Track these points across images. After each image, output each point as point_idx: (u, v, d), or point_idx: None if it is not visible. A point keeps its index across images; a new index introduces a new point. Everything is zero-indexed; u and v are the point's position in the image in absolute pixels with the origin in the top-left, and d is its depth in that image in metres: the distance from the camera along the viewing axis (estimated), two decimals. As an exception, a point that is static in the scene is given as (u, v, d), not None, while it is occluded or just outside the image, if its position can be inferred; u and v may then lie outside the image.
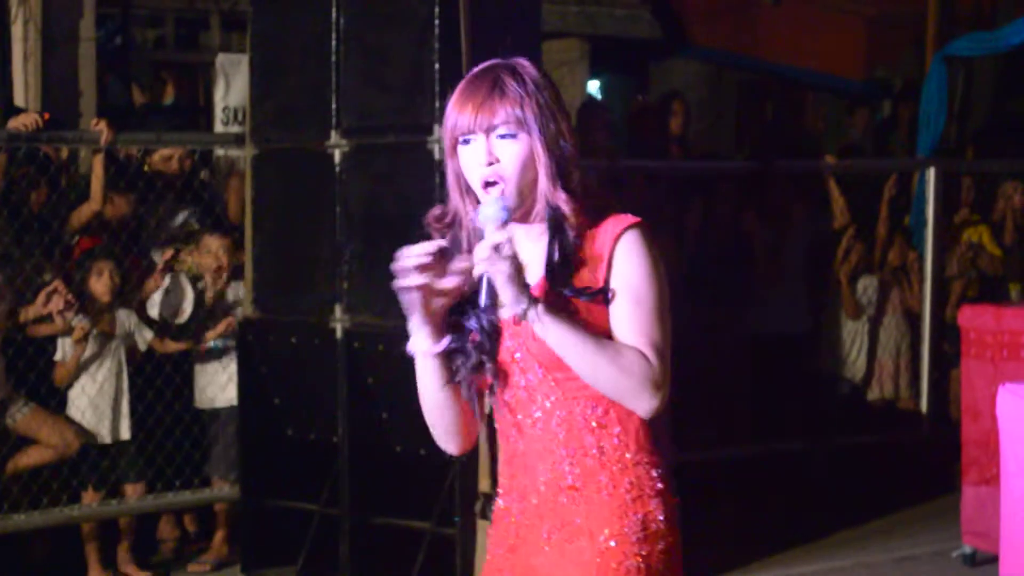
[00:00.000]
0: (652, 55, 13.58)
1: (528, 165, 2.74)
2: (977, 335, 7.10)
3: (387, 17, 6.30)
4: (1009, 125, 12.75)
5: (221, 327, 6.97)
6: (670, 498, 2.83)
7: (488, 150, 2.73)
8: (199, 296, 7.00)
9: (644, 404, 2.74)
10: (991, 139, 11.64)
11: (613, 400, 2.76)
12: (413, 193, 6.14)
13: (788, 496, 8.26)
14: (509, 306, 2.67)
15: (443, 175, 5.95)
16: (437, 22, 6.05)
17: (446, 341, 2.79)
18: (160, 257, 6.92)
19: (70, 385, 6.68)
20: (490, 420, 2.97)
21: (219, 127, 8.04)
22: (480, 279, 2.65)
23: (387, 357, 6.19)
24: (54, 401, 6.64)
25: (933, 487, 8.30)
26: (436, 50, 6.05)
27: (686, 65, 13.65)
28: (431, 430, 2.94)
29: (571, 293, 2.72)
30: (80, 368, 6.64)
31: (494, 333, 2.80)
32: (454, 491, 6.04)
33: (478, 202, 2.78)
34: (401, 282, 2.73)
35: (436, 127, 6.04)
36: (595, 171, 6.77)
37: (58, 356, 6.63)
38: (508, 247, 2.64)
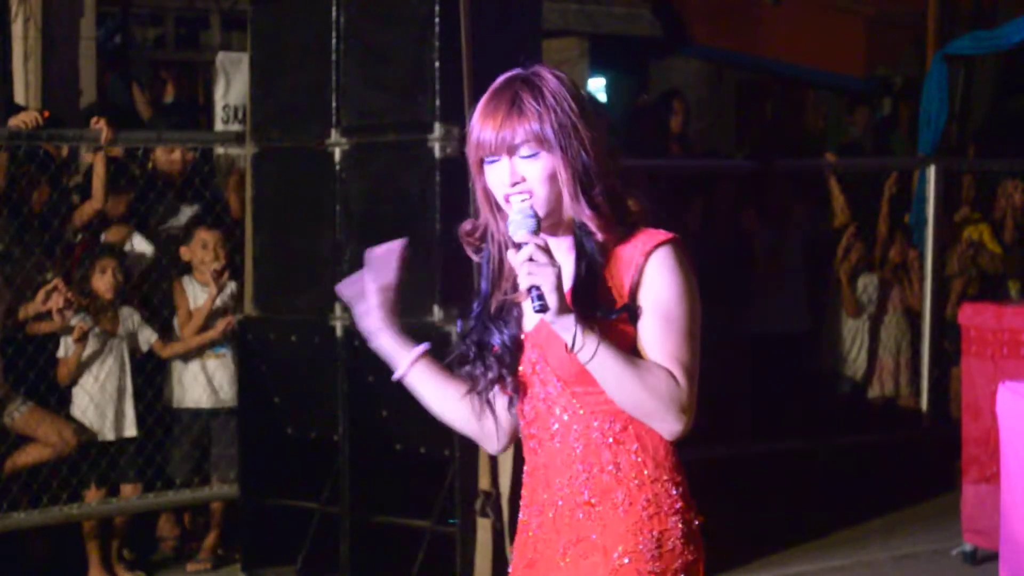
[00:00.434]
0: (652, 53, 13.58)
1: (553, 181, 2.71)
2: (977, 333, 7.10)
3: (387, 15, 6.29)
4: (1009, 123, 12.76)
5: (221, 327, 6.98)
6: (690, 517, 2.79)
7: (512, 170, 2.72)
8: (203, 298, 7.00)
9: (668, 426, 2.72)
10: (992, 137, 11.64)
11: (635, 418, 2.74)
12: (413, 191, 6.14)
13: (788, 494, 8.27)
14: (558, 325, 2.64)
15: (443, 173, 6.02)
16: (437, 20, 6.04)
17: (423, 347, 2.87)
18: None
19: (74, 382, 6.69)
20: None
21: (219, 125, 8.04)
22: (529, 290, 2.62)
23: (387, 356, 6.18)
24: (54, 399, 6.65)
25: (933, 485, 8.30)
26: (436, 48, 6.04)
27: (686, 64, 13.67)
28: (463, 432, 2.96)
29: (602, 314, 2.69)
30: (83, 365, 6.64)
31: (515, 347, 2.80)
32: (454, 489, 6.04)
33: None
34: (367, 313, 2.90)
35: (436, 125, 6.04)
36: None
37: (60, 352, 6.63)
38: (546, 254, 2.62)
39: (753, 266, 8.55)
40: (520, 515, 2.90)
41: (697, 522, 2.80)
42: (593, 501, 2.76)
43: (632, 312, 2.72)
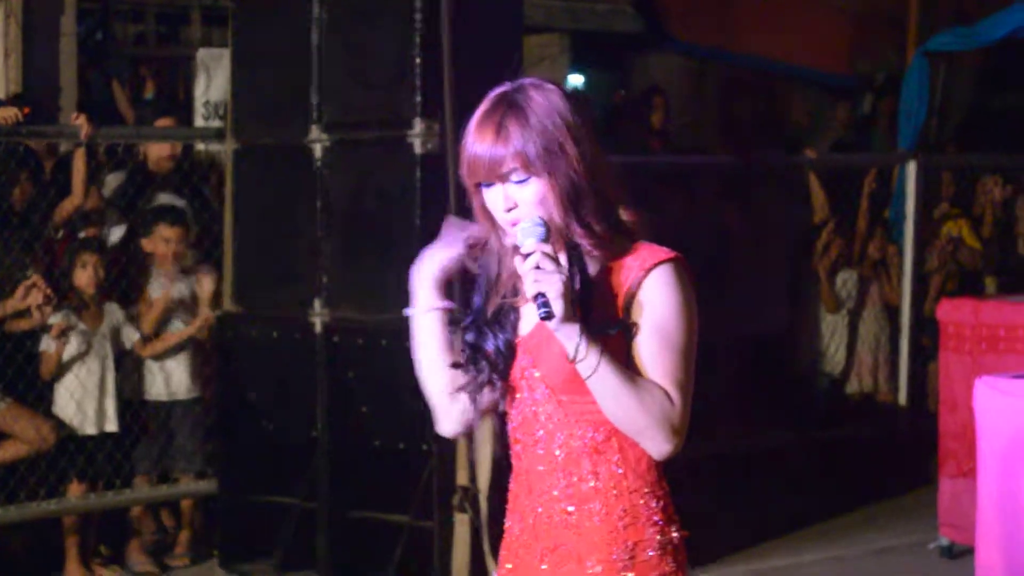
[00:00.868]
0: (633, 49, 13.57)
1: (545, 203, 2.71)
2: (955, 329, 7.14)
3: (368, 11, 6.30)
4: (990, 120, 12.80)
5: (198, 322, 6.97)
6: (670, 530, 2.78)
7: (505, 196, 2.72)
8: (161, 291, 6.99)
9: (658, 446, 2.71)
10: (972, 134, 11.68)
11: (619, 430, 2.73)
12: (394, 188, 6.15)
13: (766, 489, 8.29)
14: (562, 333, 2.64)
15: (423, 168, 6.03)
16: (418, 16, 6.05)
17: (448, 303, 2.84)
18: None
19: (56, 378, 6.68)
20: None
21: (200, 121, 8.04)
22: (535, 297, 2.62)
23: (367, 351, 6.20)
24: (33, 395, 6.63)
25: (910, 480, 8.33)
26: (417, 45, 6.05)
27: (668, 60, 13.65)
28: (429, 401, 2.91)
29: (597, 331, 2.67)
30: (66, 360, 6.63)
31: (509, 353, 2.80)
32: (432, 485, 6.05)
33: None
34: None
35: (417, 121, 6.05)
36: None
37: (43, 346, 6.62)
38: (553, 262, 2.63)
39: (733, 262, 8.57)
40: (505, 519, 2.91)
41: (677, 535, 2.79)
42: (571, 509, 2.77)
43: (627, 328, 2.72)
